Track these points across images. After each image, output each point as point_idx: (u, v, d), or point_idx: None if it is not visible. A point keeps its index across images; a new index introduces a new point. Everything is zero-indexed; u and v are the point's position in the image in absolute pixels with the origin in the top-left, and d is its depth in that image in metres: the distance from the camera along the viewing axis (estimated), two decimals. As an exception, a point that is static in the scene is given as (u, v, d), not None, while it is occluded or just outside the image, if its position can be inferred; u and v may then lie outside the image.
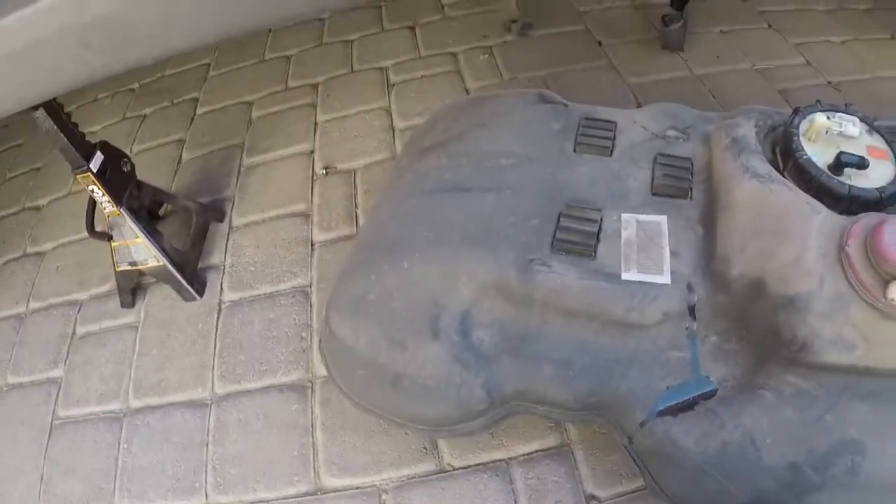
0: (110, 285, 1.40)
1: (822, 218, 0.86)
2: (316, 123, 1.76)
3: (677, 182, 1.01)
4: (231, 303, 1.36)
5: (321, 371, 1.22)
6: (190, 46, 0.98)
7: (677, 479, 0.88)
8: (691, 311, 0.90)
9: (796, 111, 0.99)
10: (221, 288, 1.39)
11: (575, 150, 1.09)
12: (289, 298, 1.36)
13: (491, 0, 2.10)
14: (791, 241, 0.86)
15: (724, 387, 0.87)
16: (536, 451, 1.08)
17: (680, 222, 0.96)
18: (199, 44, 0.98)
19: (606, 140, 1.09)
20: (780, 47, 2.01)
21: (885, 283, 0.79)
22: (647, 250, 0.94)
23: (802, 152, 0.93)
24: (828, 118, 0.99)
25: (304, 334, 1.30)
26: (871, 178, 0.95)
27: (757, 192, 0.91)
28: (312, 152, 1.67)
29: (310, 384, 1.22)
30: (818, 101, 1.03)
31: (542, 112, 1.17)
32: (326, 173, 1.61)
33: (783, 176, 0.95)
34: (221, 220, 1.52)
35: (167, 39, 0.93)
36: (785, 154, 0.96)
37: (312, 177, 1.61)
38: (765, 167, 0.94)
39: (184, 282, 1.34)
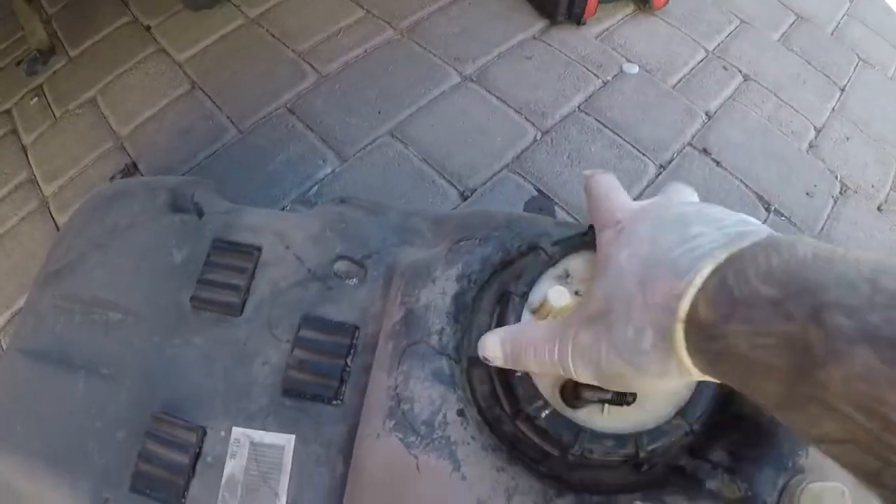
0: None
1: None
2: None
3: (320, 375, 0.69)
4: None
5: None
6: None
7: None
8: None
9: (531, 248, 0.63)
10: None
11: (192, 305, 0.76)
12: None
13: (15, 31, 1.77)
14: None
15: None
16: None
17: (314, 448, 0.66)
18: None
19: (235, 289, 0.75)
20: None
21: None
22: (256, 499, 0.65)
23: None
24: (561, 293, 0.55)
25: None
26: (642, 408, 0.55)
27: (396, 461, 0.58)
28: None
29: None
30: (589, 227, 0.57)
31: (165, 231, 0.82)
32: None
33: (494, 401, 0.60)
34: None
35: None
36: None
37: None
38: (433, 397, 0.60)
39: None
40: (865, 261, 0.31)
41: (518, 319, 0.58)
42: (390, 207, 0.82)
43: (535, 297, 0.59)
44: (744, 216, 0.41)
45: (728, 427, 0.59)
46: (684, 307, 0.37)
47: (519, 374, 0.57)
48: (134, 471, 0.68)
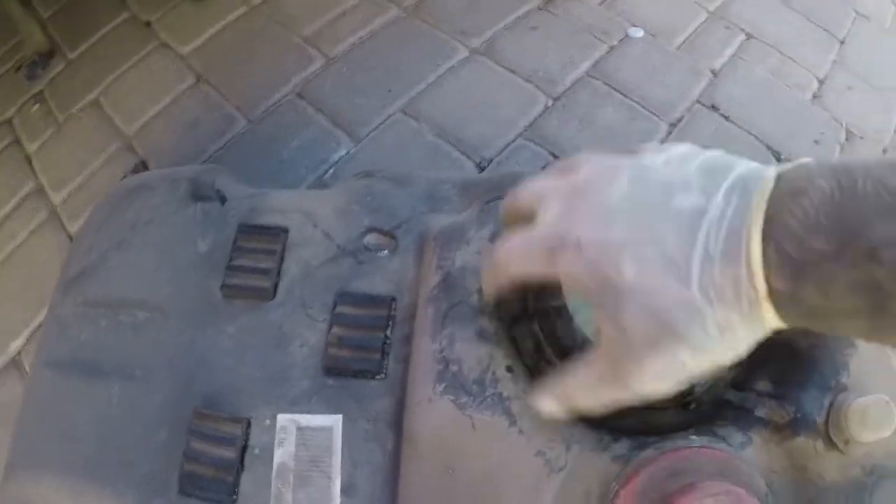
0: None
1: (562, 480, 0.54)
2: None
3: (361, 350, 0.67)
4: None
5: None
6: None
7: None
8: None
9: None
10: None
11: (223, 294, 0.73)
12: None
13: (11, 36, 1.71)
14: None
15: None
16: None
17: (362, 425, 0.64)
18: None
19: (266, 273, 0.72)
20: None
21: None
22: (310, 484, 0.63)
23: (559, 310, 0.56)
24: None
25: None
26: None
27: (450, 423, 0.57)
28: None
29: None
30: None
31: (187, 222, 0.79)
32: None
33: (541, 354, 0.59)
34: None
35: None
36: (540, 301, 0.59)
37: None
38: (480, 357, 0.58)
39: None
40: (885, 175, 0.32)
41: None
42: (417, 176, 0.80)
43: None
44: (674, 152, 0.41)
45: (768, 358, 0.58)
46: (763, 288, 0.35)
47: (563, 322, 0.56)
48: (180, 472, 0.65)
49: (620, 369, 0.41)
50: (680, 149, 0.42)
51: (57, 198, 1.40)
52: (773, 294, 0.35)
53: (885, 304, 0.31)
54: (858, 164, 0.34)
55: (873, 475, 0.55)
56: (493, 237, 0.66)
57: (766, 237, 0.35)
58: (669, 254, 0.37)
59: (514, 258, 0.45)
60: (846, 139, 1.45)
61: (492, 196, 0.71)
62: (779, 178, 0.36)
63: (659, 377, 0.40)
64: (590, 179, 0.43)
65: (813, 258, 0.33)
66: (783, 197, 0.35)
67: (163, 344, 0.73)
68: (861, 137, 1.45)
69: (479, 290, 0.63)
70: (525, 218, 0.46)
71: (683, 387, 0.41)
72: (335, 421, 0.65)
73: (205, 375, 0.70)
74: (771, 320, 0.36)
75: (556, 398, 0.46)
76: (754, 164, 0.39)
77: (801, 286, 0.34)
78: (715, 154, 0.40)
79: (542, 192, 0.46)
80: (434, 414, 0.59)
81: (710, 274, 0.36)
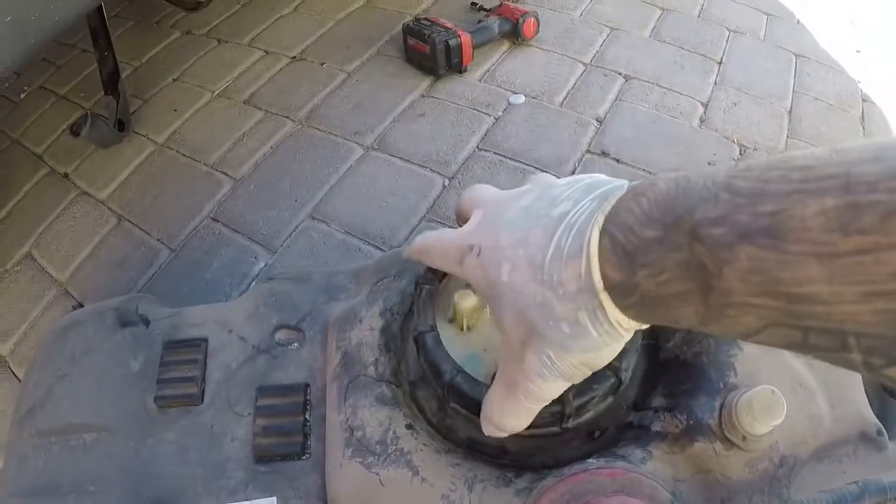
0: None
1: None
2: None
3: (285, 435, 0.75)
4: None
5: None
6: None
7: None
8: None
9: (424, 279, 0.66)
10: None
11: (157, 405, 0.82)
12: None
13: None
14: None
15: None
16: None
17: (295, 503, 0.71)
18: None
19: (192, 380, 0.81)
20: (235, 55, 1.92)
21: None
22: None
23: (434, 351, 0.62)
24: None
25: None
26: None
27: (361, 483, 0.65)
28: None
29: None
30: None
31: (119, 347, 0.88)
32: None
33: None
34: None
35: None
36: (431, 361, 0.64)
37: None
38: (380, 419, 0.66)
39: None
40: (718, 173, 0.34)
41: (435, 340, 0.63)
42: (314, 272, 0.90)
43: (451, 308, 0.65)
44: (577, 177, 0.45)
45: (661, 375, 0.65)
46: (598, 279, 0.39)
47: (466, 385, 0.59)
48: None
49: (510, 372, 0.46)
50: (586, 175, 0.47)
51: (4, 349, 1.46)
52: (609, 285, 0.39)
53: (711, 283, 0.33)
54: (695, 172, 0.37)
55: (785, 466, 0.58)
56: (383, 312, 0.76)
57: (605, 232, 0.39)
58: (531, 253, 0.42)
59: (434, 250, 0.53)
60: (740, 153, 1.53)
61: (378, 278, 0.82)
62: (631, 187, 0.40)
63: (541, 376, 0.44)
64: (509, 197, 0.50)
65: (643, 245, 0.36)
66: (627, 198, 0.39)
67: (111, 458, 0.81)
68: (754, 149, 1.54)
69: (375, 362, 0.72)
70: (465, 220, 0.54)
71: (577, 381, 0.45)
72: (269, 503, 0.73)
73: (152, 480, 0.78)
74: (617, 318, 0.39)
75: (486, 421, 0.52)
76: (628, 181, 0.43)
77: (633, 273, 0.37)
78: (602, 177, 0.45)
79: (478, 200, 0.54)
80: (346, 477, 0.67)
81: (558, 270, 0.40)
